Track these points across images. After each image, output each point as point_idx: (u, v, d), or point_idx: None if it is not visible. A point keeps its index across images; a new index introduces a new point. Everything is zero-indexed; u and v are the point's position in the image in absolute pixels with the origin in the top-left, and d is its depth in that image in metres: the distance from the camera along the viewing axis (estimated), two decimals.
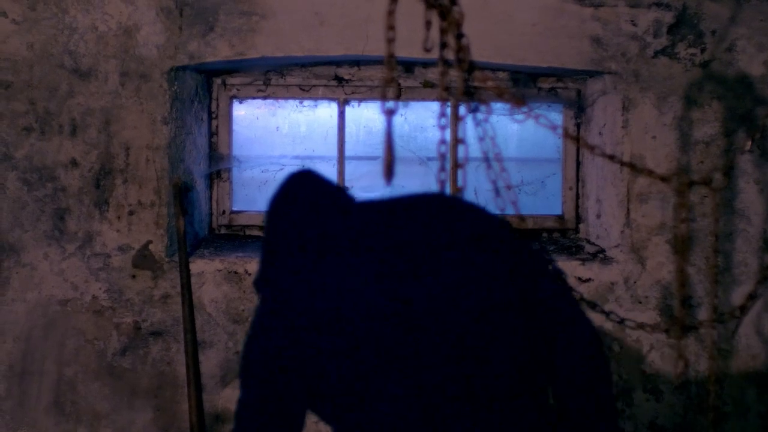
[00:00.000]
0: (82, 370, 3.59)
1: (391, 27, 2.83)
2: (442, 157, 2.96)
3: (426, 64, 3.77)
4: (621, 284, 3.65)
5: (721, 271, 3.63)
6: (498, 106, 3.78)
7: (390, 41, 2.83)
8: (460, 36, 2.92)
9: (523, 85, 3.87)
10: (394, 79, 2.84)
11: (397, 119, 3.85)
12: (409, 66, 3.83)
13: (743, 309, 3.39)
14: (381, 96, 2.85)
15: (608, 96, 3.73)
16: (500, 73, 3.84)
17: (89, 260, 3.57)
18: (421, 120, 3.82)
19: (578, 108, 3.91)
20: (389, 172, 2.91)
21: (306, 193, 2.06)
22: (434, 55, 2.90)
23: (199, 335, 3.48)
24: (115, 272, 3.58)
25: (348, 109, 3.86)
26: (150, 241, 3.59)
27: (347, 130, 3.86)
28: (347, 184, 3.85)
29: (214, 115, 3.88)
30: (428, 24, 2.86)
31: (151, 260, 3.59)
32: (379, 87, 3.84)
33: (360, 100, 3.86)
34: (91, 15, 3.56)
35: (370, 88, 3.81)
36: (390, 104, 2.78)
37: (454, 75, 3.05)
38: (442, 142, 3.00)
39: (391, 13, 2.85)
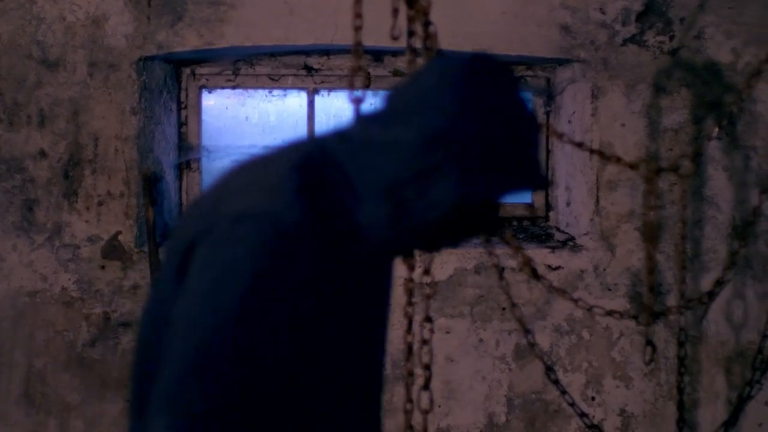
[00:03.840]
0: (51, 361, 3.66)
1: (358, 15, 2.93)
2: None
3: (396, 53, 3.85)
4: (591, 272, 3.75)
5: (690, 258, 3.73)
6: None
7: (357, 29, 2.93)
8: (427, 24, 3.01)
9: None
10: (361, 67, 2.94)
11: (367, 108, 3.92)
12: (378, 55, 3.91)
13: (711, 295, 3.51)
14: (349, 85, 2.92)
15: (577, 84, 3.83)
16: None
17: (58, 251, 3.65)
18: None
19: (547, 96, 4.00)
20: None
21: None
22: (402, 43, 2.99)
23: None
24: (85, 263, 3.65)
25: (318, 99, 3.95)
26: (119, 232, 3.67)
27: (317, 119, 3.94)
28: None
29: (183, 105, 3.95)
30: (395, 12, 2.94)
31: (120, 251, 3.67)
32: (348, 76, 3.93)
33: (330, 90, 3.95)
34: (59, 5, 3.63)
35: (339, 77, 3.89)
36: (358, 93, 2.87)
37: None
38: None
39: (358, 1, 2.94)
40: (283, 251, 1.48)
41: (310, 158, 1.60)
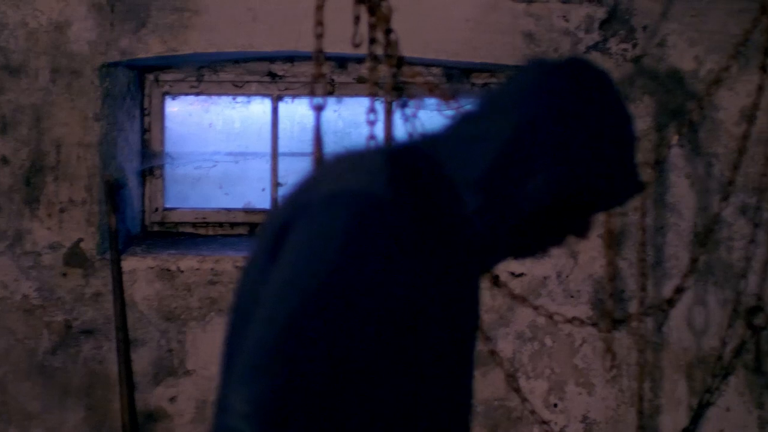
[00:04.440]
0: (12, 369, 3.65)
1: (319, 23, 2.94)
2: None
3: (360, 60, 3.85)
4: (553, 278, 3.77)
5: (652, 265, 3.75)
6: (430, 101, 3.88)
7: (318, 37, 2.95)
8: (389, 31, 3.04)
9: (457, 81, 3.97)
10: (323, 74, 2.95)
11: (331, 115, 3.94)
12: (342, 62, 3.92)
13: (671, 302, 3.54)
14: (310, 92, 2.93)
15: None
16: (434, 69, 3.94)
17: (19, 258, 3.64)
18: (355, 116, 3.92)
19: None
20: None
21: None
22: (364, 50, 3.01)
23: (131, 333, 3.55)
24: (46, 270, 3.65)
25: (282, 105, 3.96)
26: (81, 239, 3.66)
27: (281, 126, 3.95)
28: (281, 180, 3.94)
29: (146, 112, 3.95)
30: (357, 19, 2.96)
31: (82, 258, 3.66)
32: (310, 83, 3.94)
33: (294, 96, 3.95)
34: (22, 11, 3.63)
35: (303, 84, 3.90)
36: (319, 100, 2.89)
37: (386, 71, 3.16)
38: (371, 137, 3.10)
39: (319, 8, 2.95)
40: (377, 224, 1.45)
41: (406, 150, 1.62)
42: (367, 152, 1.67)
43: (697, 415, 3.63)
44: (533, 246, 1.67)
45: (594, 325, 3.60)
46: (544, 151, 1.53)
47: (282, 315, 1.42)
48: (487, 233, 1.59)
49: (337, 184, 1.50)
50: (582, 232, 1.67)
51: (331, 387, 1.42)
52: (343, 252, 1.43)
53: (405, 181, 1.51)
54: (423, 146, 1.64)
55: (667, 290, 3.70)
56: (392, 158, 1.55)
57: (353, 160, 1.61)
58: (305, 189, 1.58)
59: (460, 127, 1.63)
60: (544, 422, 3.62)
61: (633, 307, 3.73)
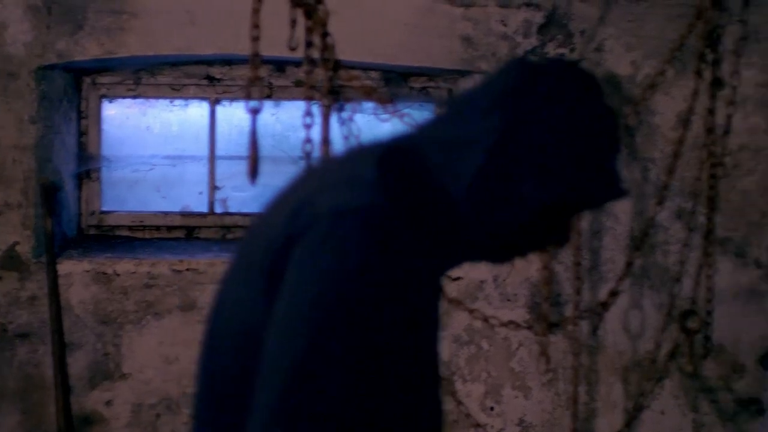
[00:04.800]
0: None
1: (255, 25, 2.93)
2: (308, 156, 3.07)
3: (298, 64, 3.85)
4: (490, 282, 3.79)
5: (588, 269, 3.78)
6: (367, 105, 3.89)
7: (254, 40, 2.93)
8: (326, 35, 3.04)
9: (395, 85, 3.98)
10: (259, 78, 2.93)
11: (269, 118, 3.94)
12: (281, 65, 3.93)
13: (606, 305, 3.56)
14: (246, 95, 2.93)
15: None
16: (372, 73, 3.95)
17: None
18: (294, 119, 3.92)
19: None
20: (254, 172, 3.01)
21: None
22: (300, 54, 3.01)
23: (67, 337, 3.55)
24: None
25: (220, 109, 3.96)
26: (17, 242, 3.65)
27: (219, 129, 3.95)
28: (218, 183, 3.94)
29: (83, 115, 3.94)
30: (293, 23, 2.96)
31: (17, 261, 3.65)
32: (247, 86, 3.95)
33: (231, 100, 3.96)
34: None
35: (241, 87, 3.90)
36: (254, 103, 2.87)
37: (324, 74, 3.17)
38: (308, 141, 3.11)
39: (256, 12, 2.94)
40: (389, 244, 1.42)
41: (399, 150, 1.58)
42: (357, 157, 1.62)
43: (632, 418, 3.66)
44: (513, 252, 1.65)
45: (530, 328, 3.63)
46: (532, 155, 1.50)
47: (303, 354, 1.38)
48: (476, 239, 1.57)
49: (338, 199, 1.46)
50: (562, 237, 1.64)
51: (364, 419, 1.40)
52: (363, 274, 1.40)
53: (401, 190, 1.50)
54: (409, 149, 1.60)
55: (603, 294, 3.72)
56: (385, 165, 1.52)
57: (347, 164, 1.60)
58: (299, 199, 1.53)
59: (442, 128, 1.60)
60: (480, 426, 3.64)
61: (569, 310, 3.75)
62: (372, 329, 1.41)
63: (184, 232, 4.02)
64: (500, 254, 1.66)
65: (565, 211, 1.58)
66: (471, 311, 3.51)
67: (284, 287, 1.44)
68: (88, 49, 3.65)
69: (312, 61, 3.06)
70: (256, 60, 2.94)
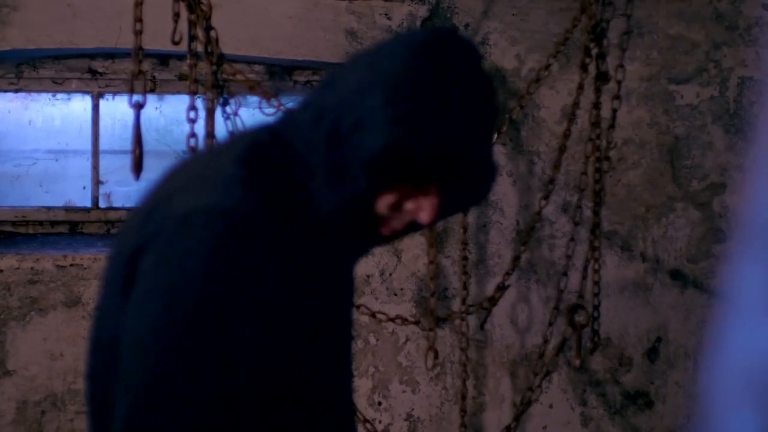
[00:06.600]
0: None
1: (138, 19, 2.95)
2: (193, 150, 3.06)
3: (182, 57, 3.84)
4: (377, 277, 3.79)
5: (475, 263, 3.79)
6: (252, 99, 3.88)
7: (137, 33, 2.95)
8: (209, 29, 3.04)
9: (279, 79, 3.98)
10: (142, 71, 2.95)
11: (153, 112, 3.93)
12: (164, 58, 3.91)
13: (493, 300, 3.57)
14: (129, 89, 2.93)
15: None
16: (256, 66, 3.95)
17: None
18: (178, 113, 3.91)
19: None
20: (138, 167, 3.00)
21: None
22: (184, 47, 3.01)
23: None
24: None
25: (103, 103, 3.93)
26: None
27: (103, 123, 3.92)
28: (102, 178, 3.91)
29: None
30: (176, 16, 2.97)
31: None
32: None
33: (114, 94, 3.93)
34: None
35: (124, 81, 3.88)
36: (138, 97, 2.89)
37: (207, 68, 3.16)
38: (192, 135, 3.10)
39: (138, 5, 2.95)
40: (238, 245, 1.41)
41: (257, 145, 1.56)
42: (218, 151, 1.63)
43: (521, 413, 3.66)
44: (381, 223, 1.57)
45: (417, 323, 3.62)
46: (374, 112, 1.45)
47: (153, 366, 1.39)
48: (339, 215, 1.53)
49: (188, 202, 1.44)
50: (427, 215, 1.55)
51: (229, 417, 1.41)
52: (207, 291, 1.39)
53: (259, 186, 1.48)
54: (280, 129, 1.59)
55: (490, 288, 3.74)
56: (244, 159, 1.51)
57: (202, 165, 1.58)
58: (154, 204, 1.52)
59: (308, 104, 1.59)
60: (368, 421, 3.63)
61: (456, 305, 3.76)
62: (218, 339, 1.40)
63: (68, 228, 3.98)
64: (369, 232, 1.59)
65: (414, 167, 1.48)
66: (357, 307, 3.50)
67: (133, 297, 1.44)
68: None
69: (195, 55, 3.07)
70: (139, 54, 2.96)
